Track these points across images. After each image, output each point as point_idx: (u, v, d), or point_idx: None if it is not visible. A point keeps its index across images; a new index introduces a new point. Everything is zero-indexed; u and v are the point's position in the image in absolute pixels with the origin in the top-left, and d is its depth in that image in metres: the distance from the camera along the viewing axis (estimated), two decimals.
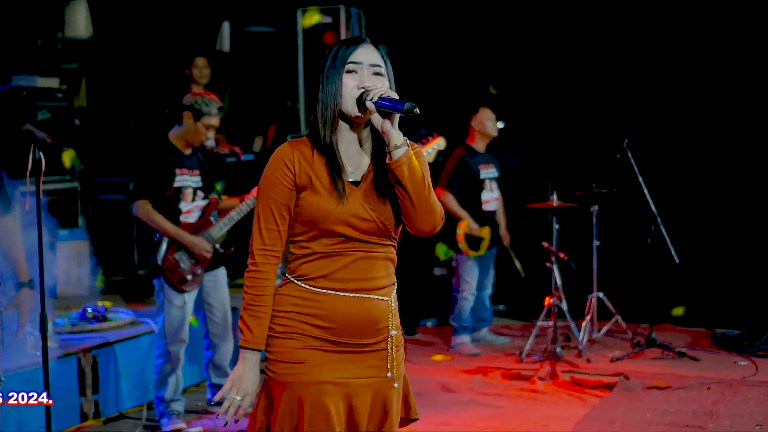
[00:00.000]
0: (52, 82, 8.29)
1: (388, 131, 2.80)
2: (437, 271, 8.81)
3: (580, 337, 7.50)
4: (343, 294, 2.88)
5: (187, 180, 5.69)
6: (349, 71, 2.88)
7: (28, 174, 4.33)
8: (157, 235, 5.65)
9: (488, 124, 7.70)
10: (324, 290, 2.88)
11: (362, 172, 2.94)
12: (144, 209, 5.59)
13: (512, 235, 8.10)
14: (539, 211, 7.69)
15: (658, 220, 7.43)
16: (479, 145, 7.77)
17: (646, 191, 7.44)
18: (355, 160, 2.94)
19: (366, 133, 2.95)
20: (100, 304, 6.61)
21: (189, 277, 5.65)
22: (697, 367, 7.03)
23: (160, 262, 5.62)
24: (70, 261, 7.86)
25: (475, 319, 7.97)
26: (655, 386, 6.49)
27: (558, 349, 7.16)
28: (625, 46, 8.67)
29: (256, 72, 10.21)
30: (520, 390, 6.55)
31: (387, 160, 2.82)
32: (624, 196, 7.85)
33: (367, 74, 2.89)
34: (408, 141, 2.84)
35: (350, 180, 2.91)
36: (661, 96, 8.58)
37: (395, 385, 2.98)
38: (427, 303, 8.81)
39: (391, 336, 2.97)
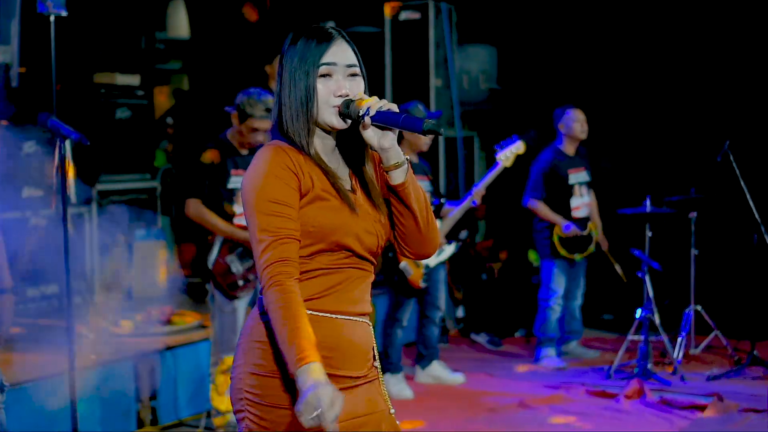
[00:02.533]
0: (133, 80, 8.21)
1: (389, 148, 2.45)
2: (536, 279, 8.44)
3: (675, 353, 7.02)
4: (345, 318, 2.51)
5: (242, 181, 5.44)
6: (322, 75, 2.50)
7: (54, 170, 4.13)
8: (209, 237, 5.42)
9: (575, 126, 7.29)
10: (325, 314, 2.49)
11: (347, 181, 2.59)
12: (195, 208, 5.37)
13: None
14: (631, 217, 7.21)
15: (762, 228, 6.92)
16: (568, 148, 7.36)
17: (749, 197, 6.93)
18: (334, 168, 2.58)
19: (334, 137, 2.58)
20: (167, 307, 6.44)
21: (240, 282, 5.38)
22: None
23: (210, 266, 5.38)
24: (146, 261, 7.75)
25: (564, 331, 7.56)
26: (751, 409, 5.97)
27: (649, 366, 6.70)
28: (725, 43, 8.20)
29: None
30: (604, 408, 6.12)
31: (389, 182, 2.48)
32: (725, 201, 7.36)
33: (342, 77, 2.51)
34: (407, 157, 2.50)
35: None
36: (765, 94, 8.03)
37: (397, 422, 2.66)
38: (518, 312, 8.43)
39: (376, 367, 2.62)
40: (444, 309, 6.93)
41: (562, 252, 7.26)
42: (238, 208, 5.40)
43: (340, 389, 2.38)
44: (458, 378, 6.81)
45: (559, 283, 7.35)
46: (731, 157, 6.98)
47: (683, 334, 7.21)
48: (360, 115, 2.45)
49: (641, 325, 6.83)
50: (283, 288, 2.35)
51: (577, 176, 7.37)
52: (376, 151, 2.51)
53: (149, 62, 9.55)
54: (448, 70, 8.71)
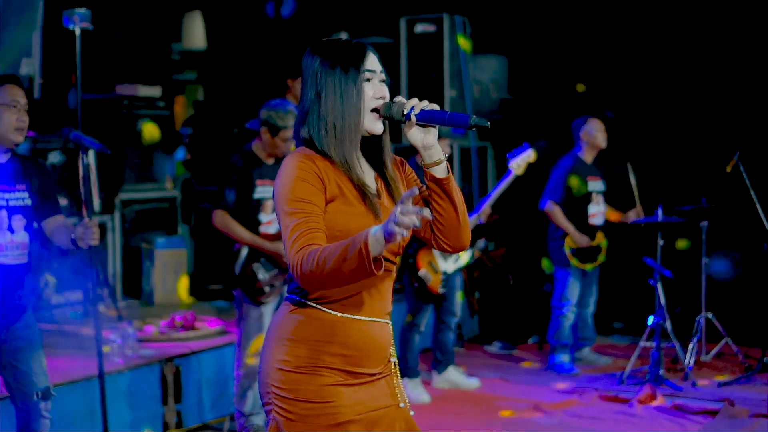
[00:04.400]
0: (154, 91, 8.37)
1: (432, 146, 2.66)
2: (549, 287, 8.55)
3: (687, 360, 7.15)
4: (366, 320, 2.68)
5: (268, 191, 5.60)
6: (366, 80, 2.68)
7: (81, 180, 4.29)
8: (236, 246, 5.57)
9: (598, 135, 7.42)
10: (349, 316, 2.66)
11: (373, 185, 2.74)
12: (222, 219, 5.51)
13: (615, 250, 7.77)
14: (644, 226, 7.33)
15: None
16: (587, 156, 7.49)
17: (758, 206, 7.04)
18: (361, 172, 2.74)
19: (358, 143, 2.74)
20: (190, 312, 6.59)
21: (267, 289, 5.54)
22: None
23: (237, 273, 5.54)
24: (167, 269, 7.91)
25: (577, 338, 7.68)
26: (762, 415, 6.09)
27: (661, 372, 6.83)
28: (736, 54, 8.29)
29: None
30: (616, 413, 6.25)
31: (434, 176, 2.67)
32: (735, 211, 7.46)
33: (378, 82, 2.70)
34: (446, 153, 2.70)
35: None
36: None
37: (412, 413, 2.82)
38: (532, 319, 8.55)
39: (393, 362, 2.80)
40: (460, 315, 7.07)
41: (574, 262, 7.39)
42: (264, 217, 5.56)
43: (359, 384, 2.65)
44: (474, 383, 6.94)
45: (573, 291, 7.47)
46: (741, 168, 7.10)
47: (694, 341, 7.34)
48: (405, 114, 2.63)
49: (653, 331, 6.96)
50: (310, 250, 2.47)
51: (595, 184, 7.49)
52: (419, 149, 2.67)
53: (166, 73, 9.74)
54: (463, 81, 8.85)
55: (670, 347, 7.26)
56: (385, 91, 2.70)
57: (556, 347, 7.50)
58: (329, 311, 2.65)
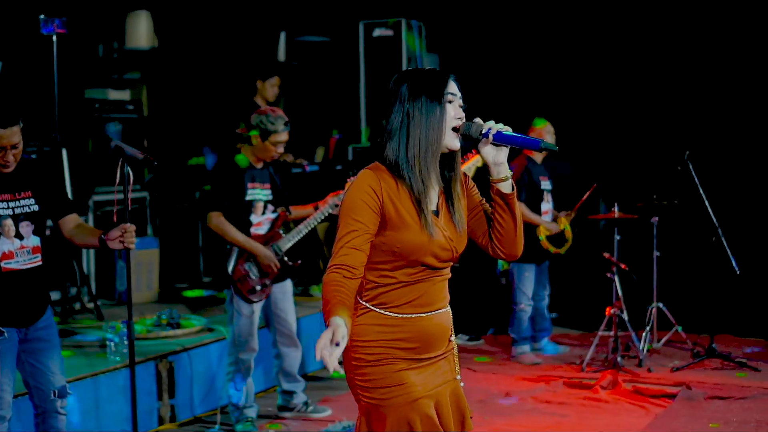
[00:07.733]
0: (123, 95, 8.52)
1: (502, 162, 3.02)
2: (503, 280, 8.90)
3: (641, 347, 7.58)
4: (425, 315, 3.05)
5: (259, 193, 5.87)
6: (449, 102, 3.01)
7: (116, 188, 4.51)
8: (228, 246, 5.82)
9: (546, 137, 7.77)
10: (409, 315, 3.02)
11: (435, 200, 3.07)
12: (216, 221, 5.76)
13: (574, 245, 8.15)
14: (599, 221, 7.75)
15: (719, 231, 7.45)
16: (537, 157, 7.86)
17: (707, 203, 7.46)
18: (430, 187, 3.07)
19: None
20: (174, 311, 6.78)
21: (258, 287, 5.82)
22: (758, 377, 7.07)
23: (230, 273, 5.79)
24: (141, 268, 8.08)
25: (535, 330, 8.07)
26: (716, 396, 6.55)
27: (619, 359, 7.24)
28: (685, 58, 8.70)
29: (312, 81, 10.39)
30: (583, 398, 6.64)
31: (501, 191, 3.02)
32: (685, 207, 7.90)
33: (457, 105, 3.04)
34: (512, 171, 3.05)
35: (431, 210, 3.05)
36: (722, 107, 8.61)
37: (462, 384, 3.20)
38: (491, 311, 8.90)
39: (451, 341, 3.17)
40: None
41: (551, 248, 7.75)
42: (255, 218, 5.84)
43: (423, 367, 3.05)
44: None
45: (529, 285, 7.86)
46: (690, 166, 7.53)
47: (647, 329, 7.78)
48: (482, 133, 3.00)
49: (611, 321, 7.39)
50: (329, 280, 2.86)
51: (545, 183, 7.89)
52: (489, 165, 3.04)
53: (109, 73, 9.84)
54: None
55: (624, 335, 7.69)
56: (463, 113, 3.04)
57: (517, 339, 7.88)
58: (390, 314, 3.03)
